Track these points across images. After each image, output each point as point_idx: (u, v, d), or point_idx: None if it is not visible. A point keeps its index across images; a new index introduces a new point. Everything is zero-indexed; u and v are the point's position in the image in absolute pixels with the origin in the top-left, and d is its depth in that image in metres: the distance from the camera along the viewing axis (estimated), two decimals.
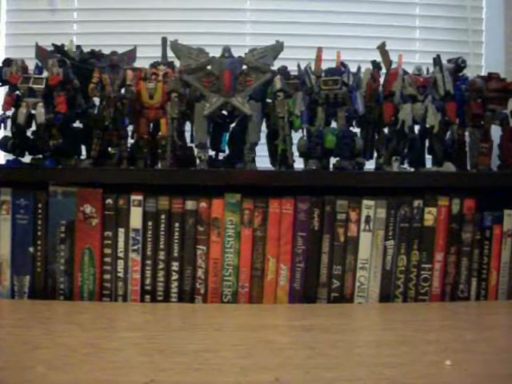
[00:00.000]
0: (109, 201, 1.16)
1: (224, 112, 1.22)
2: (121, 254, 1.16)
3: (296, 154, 1.23)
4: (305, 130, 1.22)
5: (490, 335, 1.01)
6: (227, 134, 1.27)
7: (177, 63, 1.26)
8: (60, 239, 1.16)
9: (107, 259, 1.16)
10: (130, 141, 1.24)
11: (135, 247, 1.16)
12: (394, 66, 1.26)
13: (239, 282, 1.17)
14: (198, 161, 1.20)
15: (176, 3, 1.71)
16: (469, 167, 1.29)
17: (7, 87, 1.19)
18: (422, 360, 0.86)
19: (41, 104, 1.16)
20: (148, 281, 1.17)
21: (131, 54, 1.29)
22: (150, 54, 1.31)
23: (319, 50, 1.24)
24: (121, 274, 1.16)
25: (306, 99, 1.21)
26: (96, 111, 1.24)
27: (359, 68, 1.25)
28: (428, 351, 0.90)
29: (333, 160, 1.24)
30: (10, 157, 1.21)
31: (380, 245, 1.18)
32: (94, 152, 1.20)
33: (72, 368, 0.81)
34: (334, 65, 1.23)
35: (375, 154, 1.29)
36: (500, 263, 1.20)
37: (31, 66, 1.21)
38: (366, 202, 1.17)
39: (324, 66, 1.23)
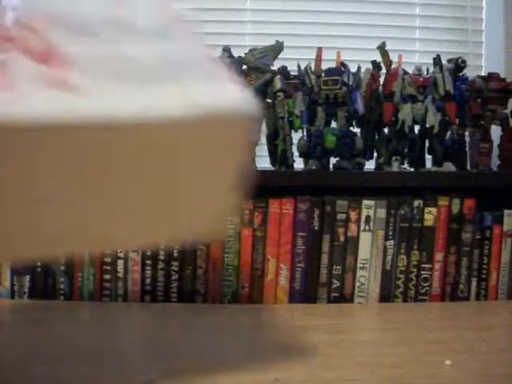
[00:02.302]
0: None
1: None
2: (121, 254, 1.16)
3: (296, 154, 1.23)
4: (305, 130, 1.22)
5: (490, 335, 1.01)
6: None
7: None
8: None
9: (107, 259, 1.16)
10: None
11: None
12: (394, 66, 1.25)
13: (239, 282, 1.17)
14: None
15: (176, 3, 1.70)
16: (469, 167, 1.29)
17: None
18: (422, 360, 0.86)
19: None
20: (148, 281, 1.17)
21: None
22: None
23: (319, 49, 1.24)
24: (121, 274, 1.16)
25: (305, 99, 1.21)
26: None
27: (359, 68, 1.25)
28: (428, 351, 0.90)
29: (333, 160, 1.24)
30: None
31: (380, 245, 1.18)
32: None
33: (72, 368, 0.81)
34: (334, 65, 1.23)
35: (375, 154, 1.29)
36: (500, 263, 1.20)
37: None
38: (366, 201, 1.17)
39: (324, 65, 1.23)
